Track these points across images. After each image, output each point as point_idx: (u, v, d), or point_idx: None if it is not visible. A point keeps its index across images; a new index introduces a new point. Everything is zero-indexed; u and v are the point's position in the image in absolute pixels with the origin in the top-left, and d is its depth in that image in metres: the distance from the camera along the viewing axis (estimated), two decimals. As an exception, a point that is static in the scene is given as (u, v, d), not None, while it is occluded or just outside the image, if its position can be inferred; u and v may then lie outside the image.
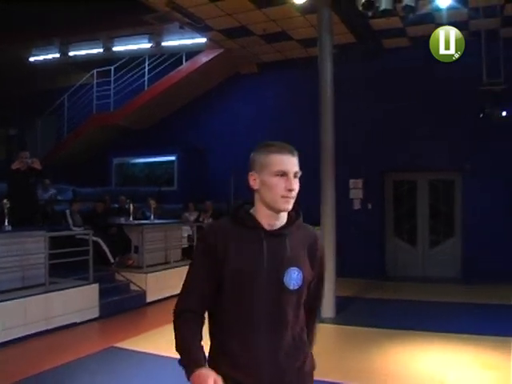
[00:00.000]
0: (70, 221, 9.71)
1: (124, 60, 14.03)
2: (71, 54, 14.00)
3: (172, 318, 2.08)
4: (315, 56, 8.65)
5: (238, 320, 1.97)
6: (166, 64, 13.51)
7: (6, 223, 7.42)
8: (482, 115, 9.94)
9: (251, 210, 2.06)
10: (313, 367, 2.14)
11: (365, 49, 11.54)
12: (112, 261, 9.55)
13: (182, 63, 13.40)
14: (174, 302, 2.13)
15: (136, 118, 14.11)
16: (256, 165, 2.02)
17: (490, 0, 9.02)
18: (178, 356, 1.93)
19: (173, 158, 14.22)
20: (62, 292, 7.50)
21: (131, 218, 10.81)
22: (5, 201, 7.48)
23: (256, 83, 13.43)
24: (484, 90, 9.72)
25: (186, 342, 1.94)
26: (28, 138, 15.09)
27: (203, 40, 12.14)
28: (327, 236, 7.94)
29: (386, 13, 7.08)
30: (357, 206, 12.22)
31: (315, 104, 8.40)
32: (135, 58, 13.96)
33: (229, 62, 13.13)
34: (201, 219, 12.21)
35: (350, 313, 8.37)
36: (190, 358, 1.89)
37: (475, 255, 10.85)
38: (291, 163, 1.99)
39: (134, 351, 6.32)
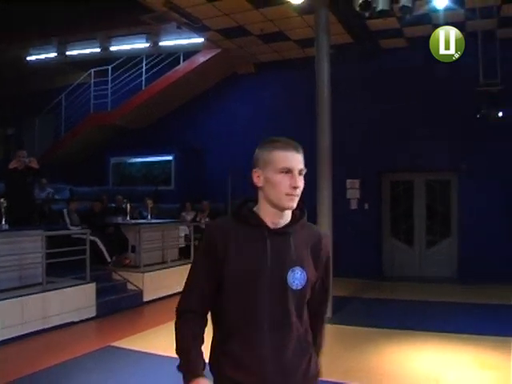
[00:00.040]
0: (68, 220, 9.72)
1: (121, 60, 14.03)
2: (69, 53, 13.99)
3: (172, 318, 2.07)
4: (312, 56, 8.65)
5: (240, 319, 1.93)
6: (164, 64, 13.50)
7: (3, 222, 7.45)
8: (478, 116, 9.97)
9: (254, 208, 2.02)
10: (318, 371, 2.09)
11: (362, 49, 11.56)
12: (109, 260, 9.55)
13: (179, 63, 13.40)
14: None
15: (133, 118, 14.11)
16: (260, 161, 1.98)
17: (486, 1, 9.04)
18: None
19: (170, 157, 14.22)
20: (59, 291, 7.50)
21: (128, 218, 10.82)
22: (2, 200, 7.50)
23: (253, 83, 13.45)
24: (481, 90, 9.74)
25: (186, 348, 1.92)
26: (25, 137, 15.09)
27: (200, 40, 12.15)
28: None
29: (383, 13, 7.11)
30: (354, 206, 12.25)
31: (312, 104, 8.41)
32: (132, 58, 13.96)
33: (226, 62, 13.13)
34: (198, 219, 12.23)
35: (346, 313, 8.38)
36: (188, 365, 1.89)
37: (471, 255, 10.88)
38: (296, 160, 1.95)
39: (130, 350, 6.33)
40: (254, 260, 1.92)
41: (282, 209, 1.96)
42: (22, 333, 6.76)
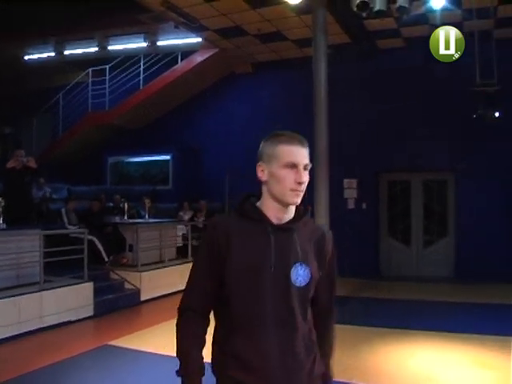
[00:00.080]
0: (66, 219, 9.73)
1: (119, 59, 14.03)
2: (66, 52, 13.96)
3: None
4: (310, 56, 8.67)
5: (243, 315, 1.88)
6: (161, 63, 13.52)
7: (1, 221, 7.45)
8: (475, 116, 9.99)
9: (257, 203, 1.97)
10: (322, 372, 2.04)
11: (359, 49, 11.58)
12: (106, 259, 9.56)
13: (177, 63, 13.41)
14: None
15: (131, 117, 14.12)
16: (264, 155, 1.93)
17: (483, 1, 9.07)
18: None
19: (168, 157, 14.23)
20: (56, 290, 7.51)
21: (126, 217, 10.83)
22: (0, 199, 7.49)
23: (251, 83, 13.46)
24: (477, 90, 9.75)
25: (185, 351, 1.91)
26: (23, 136, 15.05)
27: (198, 40, 12.15)
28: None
29: (380, 14, 7.11)
30: (351, 205, 12.27)
31: (310, 104, 8.43)
32: (130, 57, 13.96)
33: (224, 62, 13.15)
34: (195, 218, 12.24)
35: (343, 312, 8.33)
36: (186, 370, 1.88)
37: (468, 255, 10.93)
38: (301, 155, 1.91)
39: (128, 349, 6.34)
40: (257, 255, 1.88)
41: (286, 204, 1.92)
42: (19, 332, 6.77)
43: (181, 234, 11.39)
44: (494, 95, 9.54)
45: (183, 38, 12.34)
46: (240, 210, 1.97)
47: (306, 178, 1.91)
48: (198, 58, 13.04)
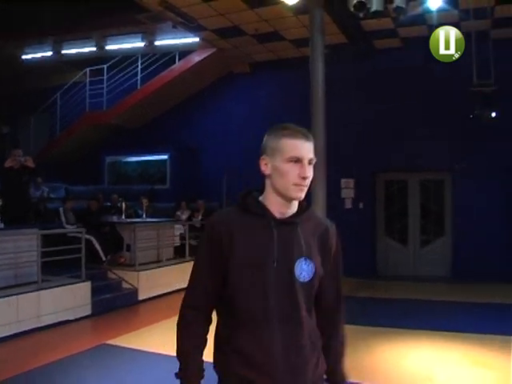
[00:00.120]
0: (63, 219, 9.73)
1: (117, 59, 14.02)
2: (64, 52, 13.96)
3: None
4: (307, 56, 8.69)
5: (246, 311, 1.84)
6: (159, 63, 13.52)
7: (-1, 221, 7.46)
8: (471, 116, 10.02)
9: (260, 198, 1.93)
10: (324, 370, 2.01)
11: (356, 49, 11.59)
12: (104, 259, 9.57)
13: (174, 62, 13.42)
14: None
15: (129, 117, 14.12)
16: (268, 149, 1.89)
17: (480, 2, 9.09)
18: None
19: (165, 156, 14.24)
20: (54, 290, 7.52)
21: (123, 217, 10.83)
22: (-3, 198, 7.51)
23: (248, 83, 13.48)
24: (474, 90, 9.78)
25: (185, 352, 1.90)
26: (21, 135, 15.05)
27: (196, 39, 12.16)
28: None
29: (377, 14, 7.14)
30: (348, 205, 12.30)
31: (307, 104, 8.44)
32: (128, 57, 13.95)
33: (221, 62, 13.16)
34: (193, 218, 12.25)
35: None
36: (186, 373, 1.88)
37: (465, 255, 10.96)
38: (306, 149, 1.87)
39: (125, 348, 6.35)
40: (260, 250, 1.84)
41: (290, 199, 1.89)
42: (17, 331, 6.77)
43: (178, 233, 11.40)
44: (491, 95, 9.57)
45: (181, 37, 12.34)
46: (242, 204, 1.93)
47: (310, 172, 1.87)
48: (196, 57, 13.04)
